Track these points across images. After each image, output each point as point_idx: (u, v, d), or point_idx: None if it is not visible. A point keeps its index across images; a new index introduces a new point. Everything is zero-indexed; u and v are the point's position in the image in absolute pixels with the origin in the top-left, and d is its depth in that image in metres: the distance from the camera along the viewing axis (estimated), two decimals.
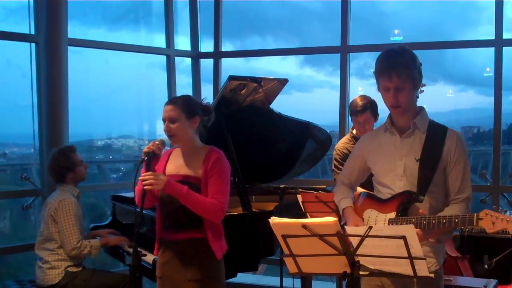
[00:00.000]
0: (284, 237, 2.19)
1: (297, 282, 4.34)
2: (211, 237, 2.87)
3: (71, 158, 4.14)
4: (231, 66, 6.40)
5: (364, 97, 3.99)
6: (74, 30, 5.22)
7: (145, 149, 2.84)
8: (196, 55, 6.24)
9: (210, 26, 6.11)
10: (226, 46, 6.23)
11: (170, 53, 6.01)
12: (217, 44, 6.09)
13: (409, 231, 2.04)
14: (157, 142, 2.86)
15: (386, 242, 2.08)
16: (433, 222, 2.33)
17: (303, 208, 3.58)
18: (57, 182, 4.17)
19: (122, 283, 4.02)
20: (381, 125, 2.69)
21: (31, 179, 5.15)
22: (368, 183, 2.84)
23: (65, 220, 3.95)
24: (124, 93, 7.00)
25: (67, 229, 3.95)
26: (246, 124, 4.19)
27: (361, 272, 2.20)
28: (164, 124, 2.89)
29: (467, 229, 4.49)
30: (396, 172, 2.52)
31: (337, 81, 5.59)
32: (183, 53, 6.21)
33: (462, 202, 2.48)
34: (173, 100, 2.94)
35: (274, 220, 2.20)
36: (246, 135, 4.19)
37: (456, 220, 2.30)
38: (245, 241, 3.70)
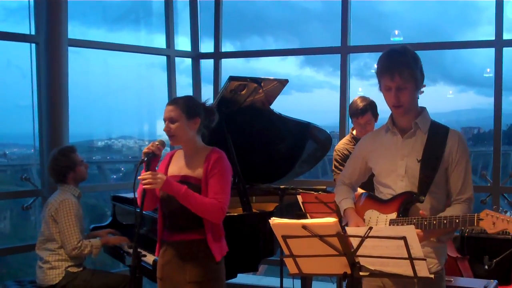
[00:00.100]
0: (284, 237, 2.19)
1: (297, 283, 4.33)
2: (211, 239, 2.87)
3: (71, 157, 4.14)
4: (231, 67, 6.41)
5: (363, 98, 3.98)
6: (74, 31, 5.23)
7: (145, 149, 2.84)
8: (196, 56, 6.25)
9: (210, 27, 6.11)
10: (226, 47, 6.24)
11: (170, 53, 6.02)
12: (217, 44, 6.09)
13: (409, 231, 2.04)
14: (157, 143, 2.85)
15: (386, 242, 2.08)
16: (434, 222, 2.33)
17: (303, 209, 3.58)
18: (58, 182, 4.17)
19: (122, 283, 4.02)
20: (382, 125, 2.68)
21: (31, 179, 5.15)
22: (368, 183, 2.84)
23: (65, 220, 3.96)
24: (124, 94, 7.01)
25: (67, 229, 3.95)
26: (246, 124, 4.19)
27: (361, 273, 2.20)
28: (165, 124, 2.90)
29: (467, 230, 4.49)
30: (398, 173, 2.52)
31: (337, 81, 5.60)
32: (183, 54, 6.21)
33: (464, 203, 2.47)
34: (174, 100, 2.94)
35: (274, 220, 2.20)
36: (246, 136, 4.19)
37: (457, 221, 2.30)
38: (245, 241, 3.69)
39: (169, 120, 2.87)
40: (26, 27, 5.09)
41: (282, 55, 6.38)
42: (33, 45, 5.08)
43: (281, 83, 4.15)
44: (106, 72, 6.75)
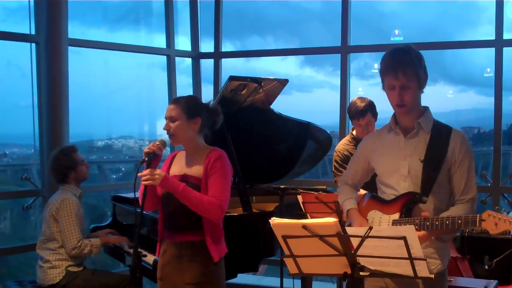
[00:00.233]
0: (285, 237, 2.19)
1: (298, 283, 4.33)
2: (209, 240, 2.87)
3: (72, 157, 4.15)
4: (231, 67, 6.41)
5: (362, 99, 3.97)
6: (74, 31, 5.23)
7: (145, 149, 2.84)
8: (196, 55, 6.25)
9: (211, 26, 6.11)
10: (226, 47, 6.24)
11: (170, 53, 6.02)
12: (217, 44, 6.09)
13: (410, 231, 2.04)
14: (157, 143, 2.86)
15: (387, 242, 2.08)
16: (437, 223, 2.32)
17: (303, 209, 3.58)
18: (59, 182, 4.17)
19: (122, 283, 4.02)
20: (385, 125, 2.66)
21: (32, 179, 5.16)
22: (370, 183, 2.84)
23: (66, 220, 3.96)
24: (124, 94, 7.01)
25: (68, 228, 3.96)
26: (247, 124, 4.19)
27: (361, 273, 2.20)
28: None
29: (467, 230, 4.49)
30: (401, 173, 2.51)
31: (337, 81, 5.60)
32: (184, 53, 6.21)
33: (467, 203, 2.46)
34: (176, 99, 2.96)
35: (274, 220, 2.19)
36: (246, 136, 4.19)
37: (459, 221, 2.29)
38: (245, 241, 3.69)
39: (169, 118, 2.88)
40: (26, 27, 5.09)
41: (282, 55, 6.38)
42: (33, 45, 5.08)
43: (281, 83, 4.16)
44: (106, 72, 6.76)
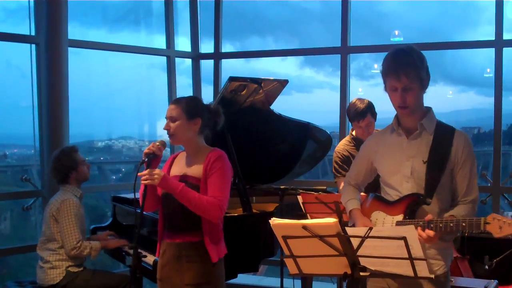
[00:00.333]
0: (285, 238, 2.19)
1: (298, 283, 4.33)
2: (208, 241, 2.86)
3: (74, 157, 4.16)
4: (231, 67, 6.41)
5: (361, 101, 3.97)
6: (74, 31, 5.23)
7: (145, 150, 2.85)
8: (196, 56, 6.25)
9: (210, 27, 6.11)
10: (226, 47, 6.24)
11: (170, 54, 6.02)
12: (217, 45, 6.09)
13: (410, 232, 2.04)
14: (157, 143, 2.86)
15: (387, 243, 2.08)
16: (440, 225, 2.31)
17: (303, 209, 3.58)
18: (60, 182, 4.17)
19: (122, 283, 4.03)
20: (388, 126, 2.65)
21: (32, 180, 5.16)
22: (372, 184, 2.84)
23: (66, 220, 3.96)
24: (124, 94, 7.02)
25: (67, 228, 3.96)
26: (247, 125, 4.19)
27: (361, 273, 2.20)
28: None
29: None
30: (403, 174, 2.50)
31: (337, 81, 5.60)
32: (184, 54, 6.22)
33: (469, 204, 2.46)
34: (177, 99, 2.96)
35: (274, 221, 2.20)
36: (246, 136, 4.19)
37: (464, 224, 2.27)
38: (245, 242, 3.69)
39: (169, 118, 2.89)
40: (26, 27, 5.09)
41: (282, 55, 6.38)
42: (33, 45, 5.09)
43: (281, 84, 4.16)
44: (106, 72, 6.76)
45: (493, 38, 5.06)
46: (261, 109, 4.22)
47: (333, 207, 3.41)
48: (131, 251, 3.23)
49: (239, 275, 3.66)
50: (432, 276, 2.16)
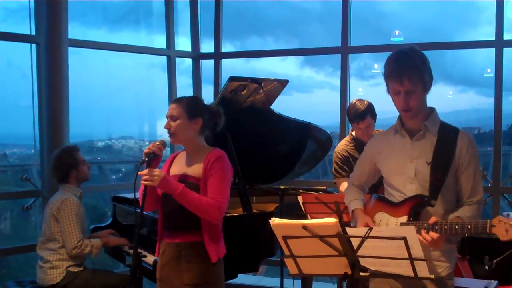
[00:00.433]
0: (285, 238, 2.19)
1: (298, 283, 4.33)
2: (207, 240, 2.86)
3: (75, 156, 4.16)
4: (231, 67, 6.41)
5: (361, 102, 3.96)
6: (74, 31, 5.23)
7: (145, 150, 2.85)
8: (196, 56, 6.25)
9: (211, 27, 6.11)
10: (226, 47, 6.24)
11: (170, 53, 6.02)
12: (217, 45, 6.09)
13: (410, 232, 2.04)
14: (157, 143, 2.86)
15: (387, 243, 2.07)
16: (445, 228, 2.29)
17: (303, 209, 3.58)
18: (60, 181, 4.18)
19: (122, 283, 4.03)
20: (391, 127, 2.63)
21: (32, 180, 5.16)
22: (373, 184, 2.83)
23: (66, 220, 3.96)
24: (124, 94, 7.02)
25: (68, 228, 3.96)
26: (247, 125, 4.19)
27: (361, 273, 2.20)
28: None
29: None
30: (407, 175, 2.48)
31: (337, 81, 5.59)
32: (184, 54, 6.22)
33: (474, 204, 2.44)
34: (178, 99, 2.97)
35: (274, 221, 2.19)
36: (246, 136, 4.19)
37: (469, 227, 2.26)
38: (245, 242, 3.69)
39: (170, 117, 2.89)
40: (27, 27, 5.09)
41: (282, 55, 6.38)
42: (34, 45, 5.09)
43: (281, 84, 4.16)
44: (107, 72, 6.76)
45: (494, 38, 5.06)
46: (261, 109, 4.22)
47: (333, 207, 3.40)
48: (131, 251, 3.22)
49: (239, 275, 3.67)
50: (432, 276, 2.15)
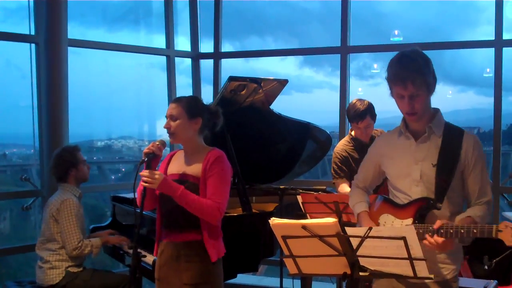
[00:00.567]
0: (284, 238, 2.19)
1: (297, 283, 4.33)
2: (207, 239, 2.86)
3: (75, 155, 4.17)
4: (231, 67, 6.41)
5: (361, 102, 3.96)
6: (74, 31, 5.23)
7: (145, 149, 2.84)
8: (196, 56, 6.25)
9: (210, 27, 6.11)
10: (225, 47, 6.24)
11: (170, 53, 6.02)
12: (217, 44, 6.09)
13: (409, 232, 2.03)
14: (157, 143, 2.86)
15: (386, 243, 2.07)
16: (451, 231, 2.26)
17: (303, 209, 3.58)
18: (59, 180, 4.17)
19: (122, 283, 4.03)
20: (395, 128, 2.61)
21: (31, 179, 5.16)
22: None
23: (66, 220, 3.96)
24: (124, 94, 7.02)
25: (68, 229, 3.96)
26: (246, 124, 4.19)
27: (361, 273, 2.20)
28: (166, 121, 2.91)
29: None
30: (413, 178, 2.46)
31: (336, 81, 5.59)
32: (183, 54, 6.21)
33: (484, 205, 2.42)
34: (178, 98, 2.97)
35: (274, 221, 2.19)
36: (246, 136, 4.19)
37: (475, 231, 2.23)
38: (245, 242, 3.69)
39: (170, 117, 2.89)
40: (26, 27, 5.09)
41: (282, 55, 6.38)
42: (33, 45, 5.08)
43: (281, 83, 4.16)
44: (106, 72, 6.76)
45: (493, 38, 5.06)
46: (260, 108, 4.22)
47: (332, 207, 3.41)
48: (131, 251, 3.22)
49: (238, 275, 3.66)
50: (432, 276, 2.15)
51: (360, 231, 2.11)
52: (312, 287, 4.44)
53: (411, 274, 2.12)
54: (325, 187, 4.35)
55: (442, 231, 2.28)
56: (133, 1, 6.72)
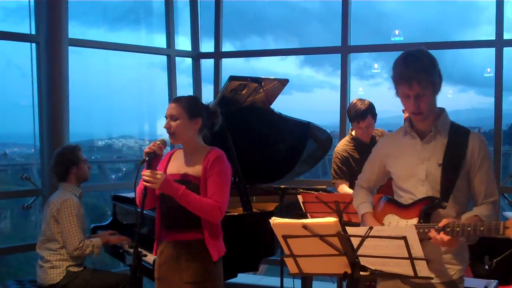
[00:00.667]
0: (285, 237, 2.19)
1: (298, 283, 4.34)
2: (208, 238, 2.87)
3: (76, 154, 4.18)
4: (231, 66, 6.41)
5: (362, 102, 3.96)
6: (74, 30, 5.23)
7: (146, 149, 2.84)
8: (196, 55, 6.25)
9: (211, 26, 6.12)
10: (226, 46, 6.25)
11: (170, 53, 6.02)
12: (217, 44, 6.09)
13: (410, 231, 2.03)
14: (158, 142, 2.85)
15: (387, 242, 2.07)
16: (457, 230, 2.24)
17: (303, 209, 3.58)
18: (60, 179, 4.17)
19: (122, 283, 4.03)
20: (400, 128, 2.61)
21: (32, 179, 5.16)
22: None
23: (67, 221, 3.96)
24: (124, 93, 7.02)
25: (69, 229, 3.96)
26: (247, 124, 4.19)
27: (361, 273, 2.20)
28: (166, 121, 2.91)
29: None
30: (418, 177, 2.45)
31: (337, 81, 5.60)
32: (184, 53, 6.22)
33: (490, 204, 2.42)
34: (178, 98, 2.96)
35: (274, 220, 2.20)
36: (246, 135, 4.19)
37: (482, 228, 2.21)
38: (245, 241, 3.70)
39: (170, 117, 2.89)
40: (27, 26, 5.09)
41: (282, 55, 6.38)
42: (34, 44, 5.09)
43: (282, 83, 4.16)
44: (107, 71, 6.76)
45: (494, 38, 5.06)
46: (261, 108, 4.22)
47: (333, 207, 3.41)
48: (131, 250, 3.22)
49: (239, 274, 3.67)
50: (432, 275, 2.15)
51: (360, 230, 2.11)
52: (313, 286, 4.45)
53: (411, 273, 2.12)
54: (325, 186, 4.34)
55: (448, 229, 2.25)
56: (133, 1, 6.72)
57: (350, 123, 4.17)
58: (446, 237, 2.24)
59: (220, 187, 2.87)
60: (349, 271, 2.19)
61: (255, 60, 6.87)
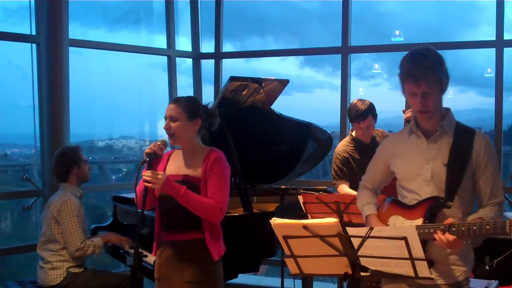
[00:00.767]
0: (285, 238, 2.19)
1: (298, 283, 4.34)
2: (208, 238, 2.87)
3: (77, 154, 4.19)
4: (232, 67, 6.41)
5: (362, 102, 3.96)
6: (74, 31, 5.23)
7: (146, 149, 2.84)
8: (197, 56, 6.25)
9: (211, 27, 6.12)
10: (226, 47, 6.25)
11: (171, 53, 6.02)
12: (218, 44, 6.09)
13: (410, 232, 2.03)
14: (158, 143, 2.85)
15: (388, 243, 2.07)
16: (463, 229, 2.23)
17: (304, 209, 3.58)
18: (60, 179, 4.17)
19: (123, 283, 4.03)
20: (404, 128, 2.58)
21: (32, 179, 5.16)
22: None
23: (68, 222, 3.96)
24: (125, 94, 7.01)
25: (70, 230, 3.96)
26: (247, 125, 4.19)
27: (362, 273, 2.20)
28: (165, 122, 2.91)
29: None
30: (423, 177, 2.44)
31: (337, 81, 5.60)
32: (184, 54, 6.22)
33: (495, 205, 2.40)
34: (177, 99, 2.96)
35: (275, 221, 2.20)
36: (247, 136, 4.19)
37: (488, 227, 2.19)
38: (246, 242, 3.70)
39: (169, 118, 2.88)
40: (27, 27, 5.10)
41: (282, 55, 6.38)
42: (34, 45, 5.09)
43: (282, 84, 4.16)
44: (107, 72, 6.77)
45: (494, 38, 5.06)
46: (261, 109, 4.22)
47: (333, 207, 3.41)
48: (132, 251, 3.22)
49: (239, 275, 3.67)
50: (433, 276, 2.15)
51: (361, 231, 2.11)
52: (313, 287, 4.45)
53: (412, 274, 2.12)
54: (326, 187, 4.35)
55: (453, 229, 2.24)
56: (134, 1, 6.72)
57: (350, 124, 4.17)
58: (451, 237, 2.22)
59: (220, 187, 2.87)
60: (349, 271, 2.19)
61: (256, 60, 6.88)
